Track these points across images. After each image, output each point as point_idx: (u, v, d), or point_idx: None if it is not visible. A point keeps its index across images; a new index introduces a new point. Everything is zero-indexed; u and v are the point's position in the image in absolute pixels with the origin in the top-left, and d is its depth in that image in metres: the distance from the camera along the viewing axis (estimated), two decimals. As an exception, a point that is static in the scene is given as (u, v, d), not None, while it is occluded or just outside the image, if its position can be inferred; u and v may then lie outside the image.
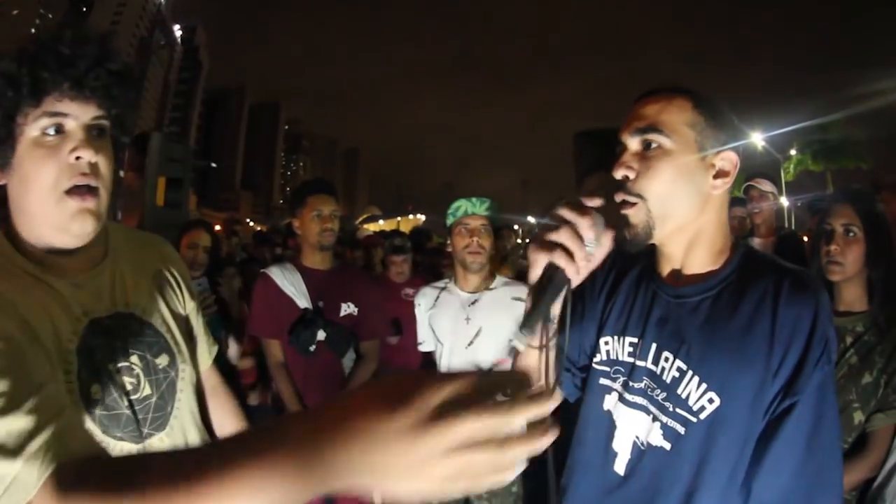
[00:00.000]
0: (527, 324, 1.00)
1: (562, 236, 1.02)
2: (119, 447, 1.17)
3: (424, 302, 2.94)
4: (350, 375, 2.95)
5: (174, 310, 1.39)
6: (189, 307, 1.48)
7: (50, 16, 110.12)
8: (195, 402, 1.40)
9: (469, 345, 2.73)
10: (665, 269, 1.24)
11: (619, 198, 1.14)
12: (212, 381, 1.61)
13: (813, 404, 1.06)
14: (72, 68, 1.06)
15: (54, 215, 1.08)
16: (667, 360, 1.17)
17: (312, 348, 2.82)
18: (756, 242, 4.04)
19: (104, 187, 1.13)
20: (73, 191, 1.08)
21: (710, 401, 1.11)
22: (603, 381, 1.29)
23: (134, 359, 1.23)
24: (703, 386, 1.11)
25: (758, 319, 1.11)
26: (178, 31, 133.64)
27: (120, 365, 1.20)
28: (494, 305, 2.74)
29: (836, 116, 29.12)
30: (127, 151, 6.45)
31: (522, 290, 2.67)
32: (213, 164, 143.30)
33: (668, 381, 1.16)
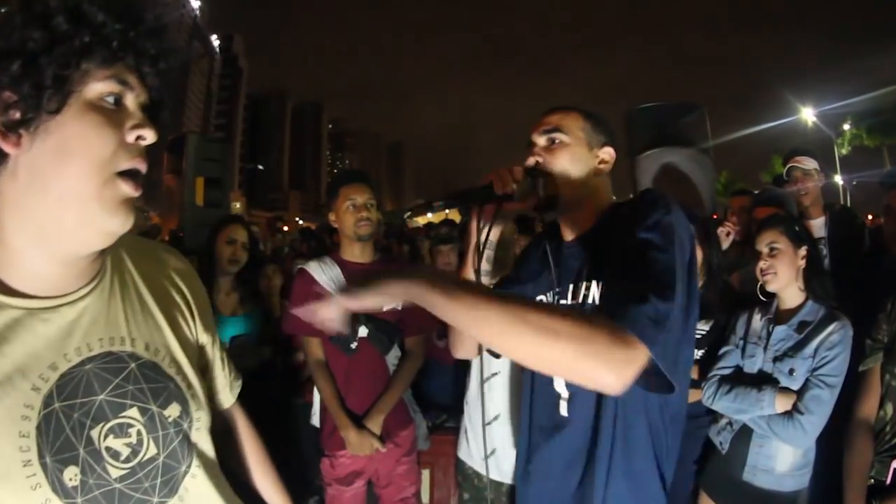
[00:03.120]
0: (449, 196, 1.52)
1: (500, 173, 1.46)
2: None
3: None
4: (395, 373, 2.79)
5: (186, 342, 1.14)
6: (204, 337, 1.22)
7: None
8: (213, 453, 1.15)
9: None
10: (568, 232, 1.60)
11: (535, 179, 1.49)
12: (235, 420, 1.39)
13: (640, 233, 1.31)
14: (155, 44, 0.93)
15: (96, 199, 0.88)
16: (586, 287, 1.47)
17: (354, 345, 2.66)
18: (808, 225, 3.66)
19: (143, 188, 0.95)
20: (126, 175, 0.90)
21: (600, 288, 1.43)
22: None
23: (132, 413, 0.98)
24: (601, 283, 1.43)
25: (616, 227, 1.43)
26: (215, 40, 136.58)
27: (111, 423, 0.95)
28: None
29: (893, 89, 27.67)
30: (166, 155, 6.55)
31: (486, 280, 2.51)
32: (260, 167, 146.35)
33: (584, 300, 1.46)
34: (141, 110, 0.94)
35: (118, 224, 0.91)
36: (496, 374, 2.54)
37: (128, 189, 0.90)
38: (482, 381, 2.54)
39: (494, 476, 2.53)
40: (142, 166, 0.92)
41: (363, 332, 2.66)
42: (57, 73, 0.85)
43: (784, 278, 2.31)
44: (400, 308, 2.74)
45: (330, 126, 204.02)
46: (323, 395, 2.73)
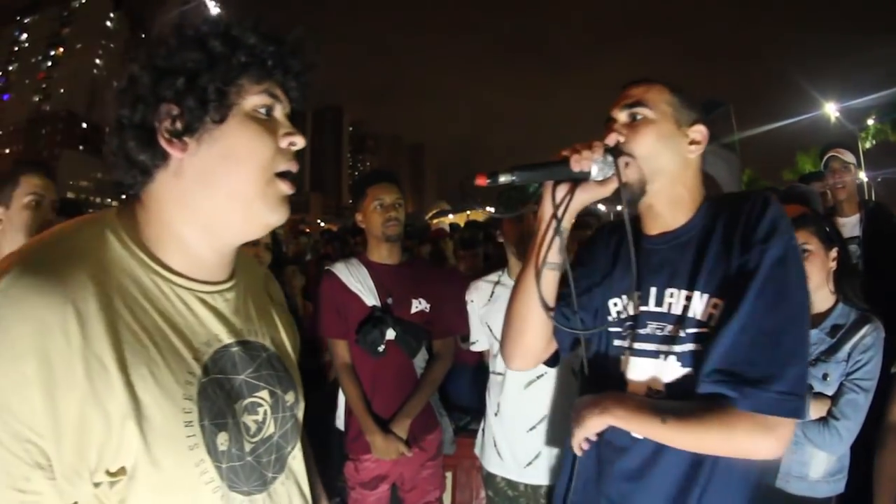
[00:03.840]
0: (519, 167, 1.30)
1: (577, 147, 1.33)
2: None
3: (478, 298, 2.70)
4: (422, 376, 2.76)
5: (292, 342, 1.28)
6: (296, 344, 1.34)
7: (112, 45, 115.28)
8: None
9: None
10: (651, 227, 1.44)
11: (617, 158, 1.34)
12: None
13: (766, 275, 1.21)
14: (298, 61, 1.06)
15: (262, 197, 1.00)
16: (672, 295, 1.35)
17: (382, 348, 2.63)
18: (841, 223, 3.56)
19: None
20: (283, 175, 1.03)
21: (715, 306, 1.28)
22: (617, 342, 1.44)
23: (263, 394, 1.10)
24: (706, 296, 1.29)
25: (726, 231, 1.31)
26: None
27: (247, 401, 1.06)
28: None
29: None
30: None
31: (552, 274, 2.37)
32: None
33: (678, 312, 1.33)
34: (287, 119, 1.05)
35: (278, 218, 1.03)
36: (542, 375, 2.46)
37: (285, 188, 1.03)
38: (525, 386, 2.49)
39: (534, 481, 2.48)
40: (294, 168, 1.04)
41: (391, 334, 2.63)
42: (219, 88, 0.97)
43: (815, 281, 2.18)
44: (428, 310, 2.73)
45: (350, 128, 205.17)
46: (349, 399, 2.70)
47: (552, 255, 1.41)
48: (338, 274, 2.73)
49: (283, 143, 1.02)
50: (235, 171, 0.98)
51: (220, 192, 0.99)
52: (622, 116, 1.40)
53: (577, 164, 1.31)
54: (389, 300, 2.69)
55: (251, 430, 1.05)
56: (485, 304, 2.67)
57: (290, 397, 1.16)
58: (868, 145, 28.32)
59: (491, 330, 2.63)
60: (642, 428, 1.27)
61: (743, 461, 1.25)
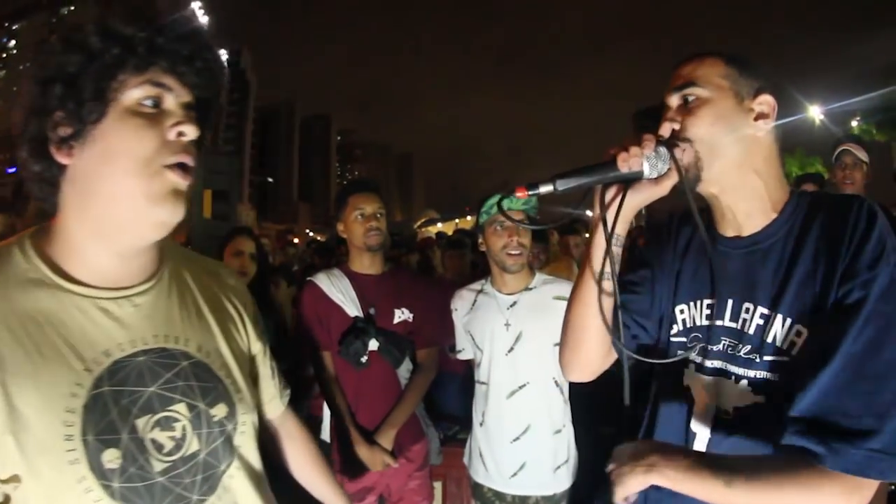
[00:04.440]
0: (560, 175, 1.17)
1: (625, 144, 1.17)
2: None
3: (461, 306, 2.70)
4: (407, 387, 2.73)
5: (237, 350, 1.20)
6: (256, 348, 1.30)
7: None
8: (257, 458, 1.19)
9: (509, 351, 2.50)
10: (725, 226, 1.27)
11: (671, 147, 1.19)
12: (288, 426, 1.46)
13: (870, 310, 1.03)
14: (186, 45, 1.00)
15: (146, 193, 0.95)
16: (747, 311, 1.19)
17: (365, 359, 2.60)
18: None
19: (193, 178, 1.02)
20: (175, 167, 0.97)
21: (798, 333, 1.11)
22: (680, 352, 1.31)
23: (180, 407, 1.03)
24: (788, 321, 1.13)
25: (820, 246, 1.13)
26: (223, 55, 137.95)
27: (158, 416, 1.00)
28: (535, 307, 2.49)
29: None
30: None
31: (565, 288, 2.39)
32: (270, 179, 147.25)
33: (753, 331, 1.18)
34: (184, 109, 1.00)
35: (168, 214, 0.97)
36: (524, 385, 2.47)
37: (175, 179, 0.97)
38: (508, 396, 2.49)
39: (520, 491, 2.50)
40: (187, 159, 0.98)
41: (373, 345, 2.61)
42: (96, 87, 0.94)
43: None
44: (411, 319, 2.71)
45: (338, 138, 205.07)
46: (333, 410, 2.68)
47: (607, 263, 1.26)
48: (319, 284, 2.71)
49: (171, 135, 0.97)
50: (114, 169, 0.95)
51: (103, 194, 0.96)
52: (674, 101, 1.25)
53: (624, 164, 1.16)
54: (372, 310, 2.66)
55: (165, 447, 0.99)
56: (467, 312, 2.66)
57: (218, 411, 1.08)
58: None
59: (473, 339, 2.63)
60: (699, 491, 1.06)
61: None
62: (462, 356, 2.76)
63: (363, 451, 2.56)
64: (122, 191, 0.95)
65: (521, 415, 2.47)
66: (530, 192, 1.17)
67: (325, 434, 2.87)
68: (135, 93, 0.96)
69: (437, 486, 3.16)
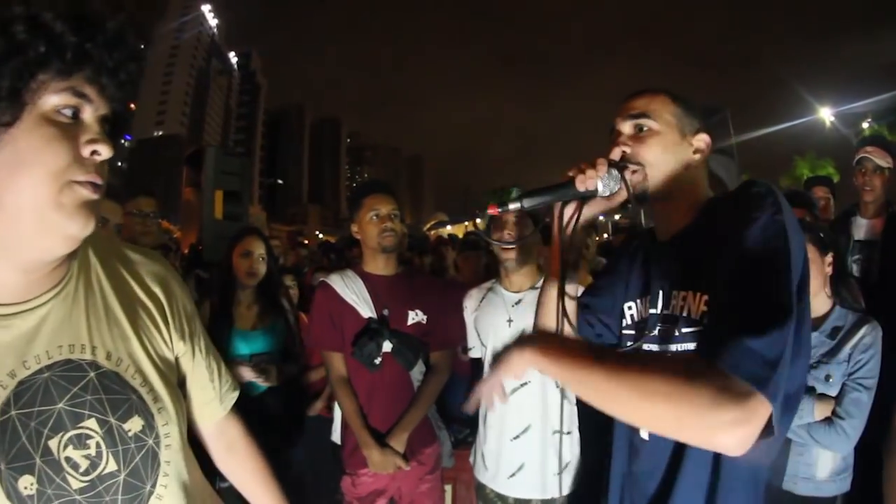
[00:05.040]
0: (527, 194, 1.33)
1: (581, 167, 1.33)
2: None
3: (471, 304, 2.77)
4: (419, 389, 2.71)
5: (156, 352, 1.10)
6: (180, 347, 1.18)
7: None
8: (186, 472, 1.11)
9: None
10: (662, 232, 1.44)
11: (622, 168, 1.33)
12: (229, 435, 1.34)
13: (745, 242, 1.10)
14: (115, 54, 0.92)
15: (53, 206, 0.87)
16: (675, 296, 1.31)
17: (378, 361, 2.58)
18: (861, 224, 3.50)
19: (102, 193, 0.93)
20: (83, 183, 0.89)
21: (706, 303, 1.21)
22: (629, 344, 1.44)
23: (90, 423, 0.95)
24: (698, 295, 1.23)
25: (716, 227, 1.23)
26: (233, 57, 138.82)
27: (69, 434, 0.93)
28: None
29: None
30: (185, 168, 6.56)
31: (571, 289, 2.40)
32: (280, 181, 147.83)
33: (681, 312, 1.28)
34: (100, 123, 0.93)
35: (78, 228, 0.89)
36: (526, 383, 2.48)
37: (86, 192, 0.89)
38: (509, 393, 2.47)
39: (521, 494, 2.51)
40: (97, 179, 0.91)
41: (387, 346, 2.59)
42: (11, 85, 0.85)
43: (813, 286, 2.18)
44: (425, 321, 2.70)
45: (348, 140, 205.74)
46: (345, 412, 2.66)
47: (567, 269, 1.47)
48: (333, 285, 2.69)
49: (85, 152, 0.89)
50: (20, 180, 0.85)
51: (6, 206, 0.86)
52: (627, 128, 1.40)
53: (581, 184, 1.32)
54: (385, 312, 2.65)
55: (81, 466, 0.93)
56: (475, 309, 2.72)
57: (132, 425, 1.00)
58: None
59: (479, 335, 2.68)
60: (572, 371, 1.10)
61: (750, 462, 1.07)
62: (472, 354, 2.78)
63: (375, 454, 2.54)
64: (29, 203, 0.86)
65: (522, 413, 2.50)
66: (500, 210, 1.34)
67: (336, 436, 2.87)
68: (53, 99, 0.88)
69: (448, 489, 3.14)
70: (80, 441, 0.94)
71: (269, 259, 3.14)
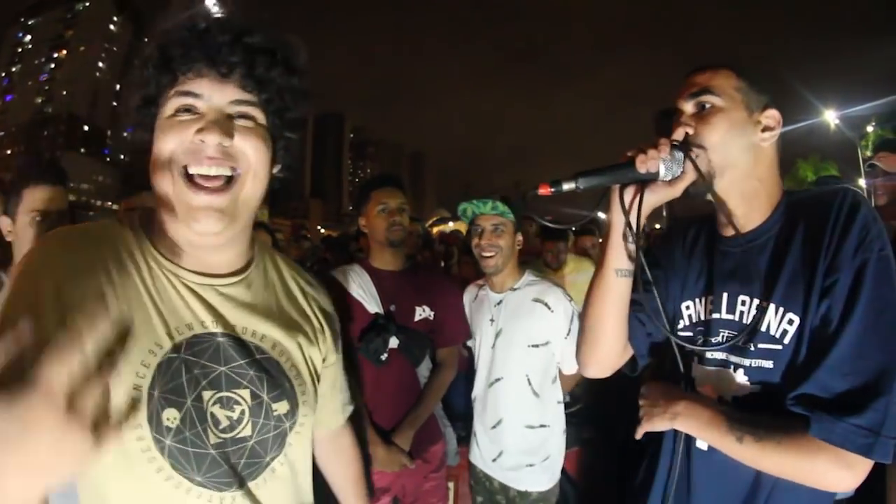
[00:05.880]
0: (582, 173, 1.22)
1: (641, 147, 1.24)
2: (200, 495, 1.02)
3: (468, 299, 2.89)
4: (426, 386, 2.68)
5: (311, 355, 1.24)
6: (331, 359, 1.33)
7: (115, 48, 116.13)
8: (306, 463, 1.24)
9: (492, 346, 2.68)
10: (726, 227, 1.34)
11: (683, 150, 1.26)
12: (342, 441, 1.51)
13: (858, 288, 1.10)
14: (204, 43, 0.99)
15: (175, 202, 1.00)
16: (744, 303, 1.26)
17: (384, 357, 2.55)
18: None
19: (249, 176, 1.03)
20: (197, 182, 0.99)
21: (790, 322, 1.18)
22: (686, 346, 1.37)
23: (244, 393, 1.08)
24: (781, 310, 1.19)
25: (807, 238, 1.20)
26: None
27: (222, 395, 1.05)
28: (515, 308, 2.63)
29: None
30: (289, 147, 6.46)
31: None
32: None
33: (749, 321, 1.24)
34: (219, 113, 1.01)
35: (201, 226, 1.00)
36: (499, 379, 2.62)
37: (194, 196, 1.00)
38: (489, 385, 2.66)
39: (502, 479, 2.64)
40: (215, 164, 1.00)
41: (394, 342, 2.56)
42: (144, 106, 1.05)
43: None
44: (432, 317, 2.66)
45: (351, 135, 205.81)
46: (350, 408, 2.62)
47: (624, 261, 1.34)
48: (339, 280, 2.65)
49: (195, 140, 1.01)
50: (153, 175, 1.03)
51: (158, 200, 1.05)
52: (688, 107, 1.31)
53: (642, 165, 1.23)
54: (392, 307, 2.62)
55: (221, 423, 1.04)
56: (470, 304, 2.86)
57: (280, 407, 1.12)
58: (869, 153, 28.11)
59: (473, 331, 2.79)
60: (715, 442, 1.22)
61: None
62: (469, 343, 2.86)
63: (380, 452, 2.51)
64: (162, 197, 1.03)
65: (498, 406, 2.64)
66: (553, 190, 1.23)
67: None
68: (170, 105, 1.03)
69: (450, 486, 3.11)
70: (228, 403, 1.05)
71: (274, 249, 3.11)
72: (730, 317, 1.29)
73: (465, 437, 3.22)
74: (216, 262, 1.10)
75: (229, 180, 1.01)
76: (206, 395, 1.03)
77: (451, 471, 2.97)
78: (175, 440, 0.98)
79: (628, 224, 1.31)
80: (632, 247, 1.33)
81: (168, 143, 0.98)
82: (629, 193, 1.31)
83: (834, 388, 1.10)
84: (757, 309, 1.24)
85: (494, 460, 2.63)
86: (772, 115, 1.30)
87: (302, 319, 1.24)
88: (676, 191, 1.27)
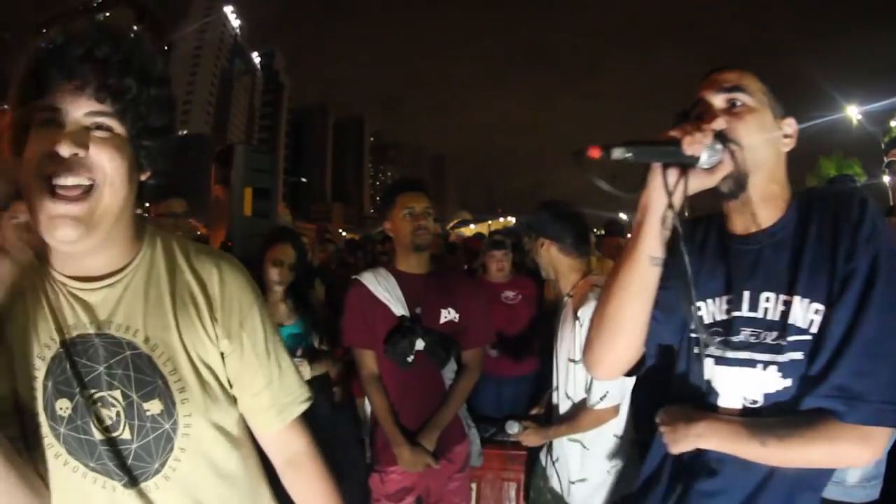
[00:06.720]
0: (632, 142, 1.15)
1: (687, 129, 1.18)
2: (95, 480, 1.08)
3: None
4: (451, 388, 2.71)
5: (194, 348, 1.15)
6: (225, 346, 1.20)
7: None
8: (212, 473, 1.18)
9: (554, 355, 2.67)
10: (739, 225, 1.34)
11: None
12: (291, 450, 1.30)
13: (876, 281, 1.15)
14: (59, 59, 1.00)
15: (36, 214, 0.99)
16: (768, 300, 1.26)
17: (410, 359, 2.58)
18: (892, 222, 3.44)
19: (106, 185, 1.02)
20: (58, 192, 0.98)
21: (816, 311, 1.20)
22: (698, 348, 1.35)
23: (116, 394, 1.09)
24: (806, 301, 1.21)
25: (825, 231, 1.23)
26: (256, 57, 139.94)
27: (102, 394, 1.08)
28: (562, 317, 2.63)
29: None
30: (214, 166, 6.64)
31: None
32: (304, 179, 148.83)
33: (777, 318, 1.24)
34: (77, 124, 1.01)
35: (59, 236, 1.00)
36: (556, 388, 2.59)
37: (53, 206, 0.99)
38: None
39: (555, 484, 2.58)
40: (73, 174, 0.99)
41: (420, 345, 2.59)
42: (18, 125, 1.04)
43: None
44: (458, 320, 2.70)
45: (371, 139, 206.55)
46: (376, 410, 2.66)
47: (659, 248, 1.23)
48: (365, 283, 2.69)
49: (51, 150, 1.00)
50: (23, 189, 1.05)
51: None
52: (719, 101, 1.28)
53: (689, 147, 1.15)
54: (418, 310, 2.65)
55: (105, 422, 1.08)
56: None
57: (151, 406, 1.09)
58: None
59: None
60: (740, 452, 1.25)
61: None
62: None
63: (405, 452, 2.54)
64: (30, 209, 1.02)
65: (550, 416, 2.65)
66: (603, 154, 1.13)
67: (366, 431, 2.87)
68: (36, 120, 1.04)
69: (473, 487, 3.14)
70: (106, 403, 1.08)
71: (299, 261, 3.13)
72: (753, 314, 1.27)
73: (487, 438, 3.25)
74: (93, 266, 1.10)
75: (89, 189, 1.00)
76: (88, 393, 1.07)
77: (473, 472, 2.99)
78: (68, 428, 1.06)
79: (671, 206, 1.21)
80: (666, 233, 1.23)
81: (29, 155, 0.99)
82: (674, 174, 1.21)
83: (857, 371, 1.15)
84: (784, 304, 1.23)
85: (555, 462, 2.58)
86: (791, 123, 1.32)
87: (189, 311, 1.16)
88: (714, 180, 1.21)
